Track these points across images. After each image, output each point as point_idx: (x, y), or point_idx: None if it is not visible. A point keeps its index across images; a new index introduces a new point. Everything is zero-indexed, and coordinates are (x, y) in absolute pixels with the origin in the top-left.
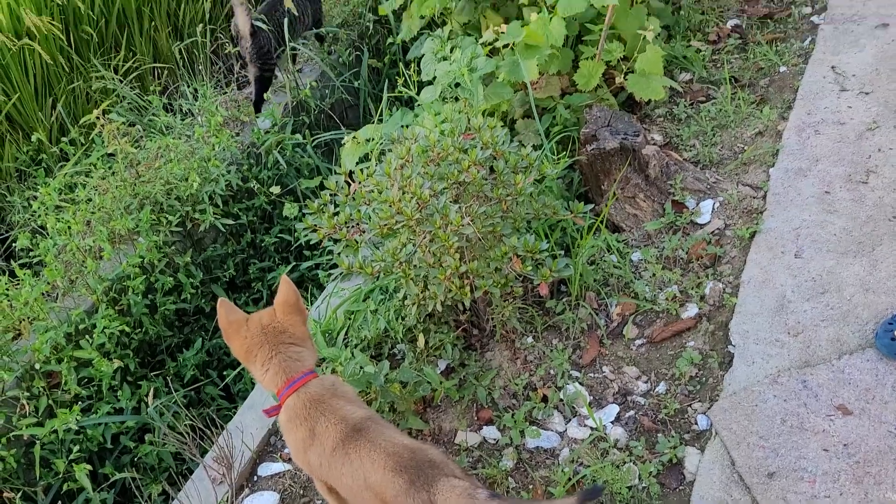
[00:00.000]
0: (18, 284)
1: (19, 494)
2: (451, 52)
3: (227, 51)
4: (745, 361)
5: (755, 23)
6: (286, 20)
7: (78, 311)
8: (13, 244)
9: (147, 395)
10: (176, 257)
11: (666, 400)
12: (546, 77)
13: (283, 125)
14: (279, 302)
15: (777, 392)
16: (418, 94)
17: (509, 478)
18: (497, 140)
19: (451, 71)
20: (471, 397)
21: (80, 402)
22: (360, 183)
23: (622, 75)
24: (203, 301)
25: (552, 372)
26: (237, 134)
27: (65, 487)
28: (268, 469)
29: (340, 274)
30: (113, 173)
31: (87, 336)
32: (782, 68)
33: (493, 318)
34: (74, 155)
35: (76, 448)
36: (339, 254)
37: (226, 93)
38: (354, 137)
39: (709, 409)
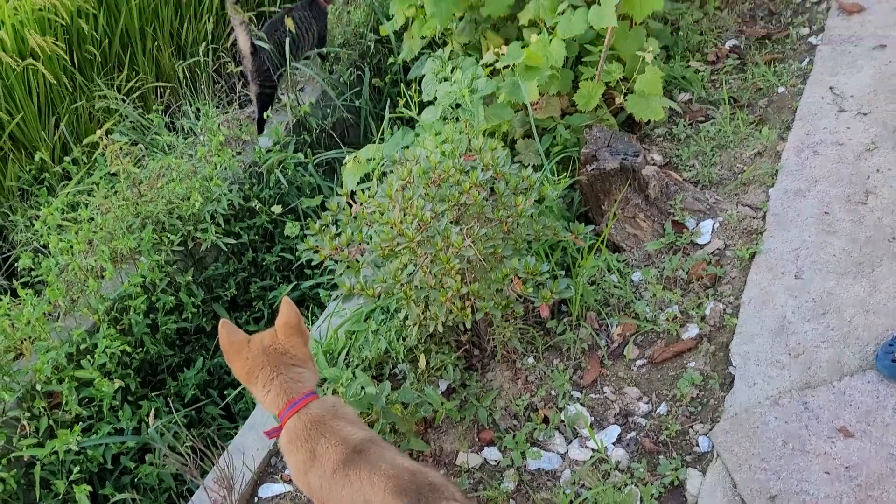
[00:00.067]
0: (20, 304)
1: None
2: (451, 72)
3: (229, 70)
4: (745, 383)
5: (753, 43)
6: (287, 39)
7: (79, 331)
8: (15, 263)
9: (148, 415)
10: (177, 276)
11: (667, 421)
12: (546, 97)
13: (286, 144)
14: (280, 323)
15: (778, 414)
16: (419, 114)
17: (510, 500)
18: (498, 161)
19: (452, 92)
20: (472, 418)
21: (80, 423)
22: (361, 204)
23: (622, 96)
24: (204, 320)
25: (553, 392)
26: (239, 153)
27: None
28: (268, 490)
29: (342, 295)
30: (115, 192)
31: (88, 356)
32: (781, 89)
33: (494, 339)
34: (77, 174)
35: (76, 469)
36: (340, 275)
37: (228, 112)
38: (356, 157)
39: (710, 430)
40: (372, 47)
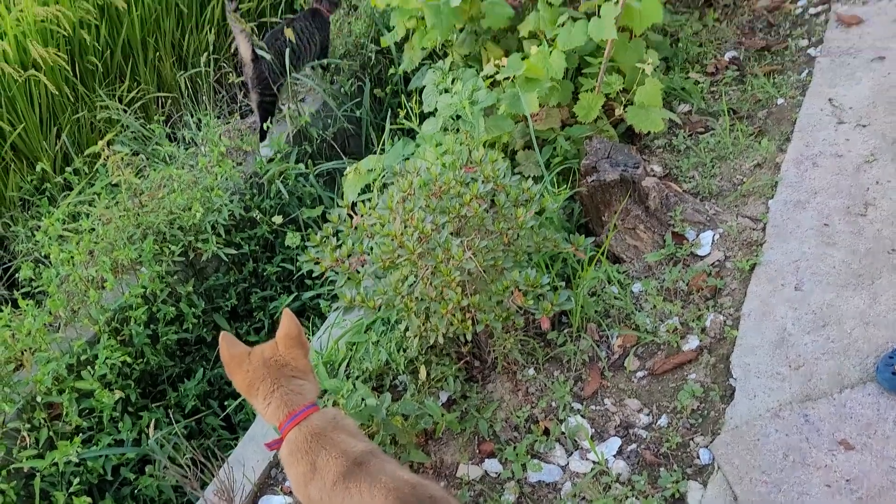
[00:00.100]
0: (21, 315)
1: None
2: (452, 83)
3: (230, 80)
4: (746, 395)
5: (752, 55)
6: (287, 50)
7: (80, 342)
8: (16, 273)
9: (148, 427)
10: (178, 287)
11: (668, 433)
12: (546, 109)
13: (287, 154)
14: (281, 335)
15: (779, 426)
16: (420, 124)
17: None
18: (498, 173)
19: (453, 103)
20: (473, 430)
21: (80, 434)
22: (362, 216)
23: (622, 107)
24: (205, 330)
25: (554, 404)
26: (240, 163)
27: None
28: (269, 502)
29: (343, 307)
30: (116, 203)
31: (88, 367)
32: (780, 100)
33: (494, 350)
34: (78, 185)
35: (76, 480)
36: (341, 286)
37: (229, 122)
38: (356, 168)
39: (711, 442)
40: (373, 58)
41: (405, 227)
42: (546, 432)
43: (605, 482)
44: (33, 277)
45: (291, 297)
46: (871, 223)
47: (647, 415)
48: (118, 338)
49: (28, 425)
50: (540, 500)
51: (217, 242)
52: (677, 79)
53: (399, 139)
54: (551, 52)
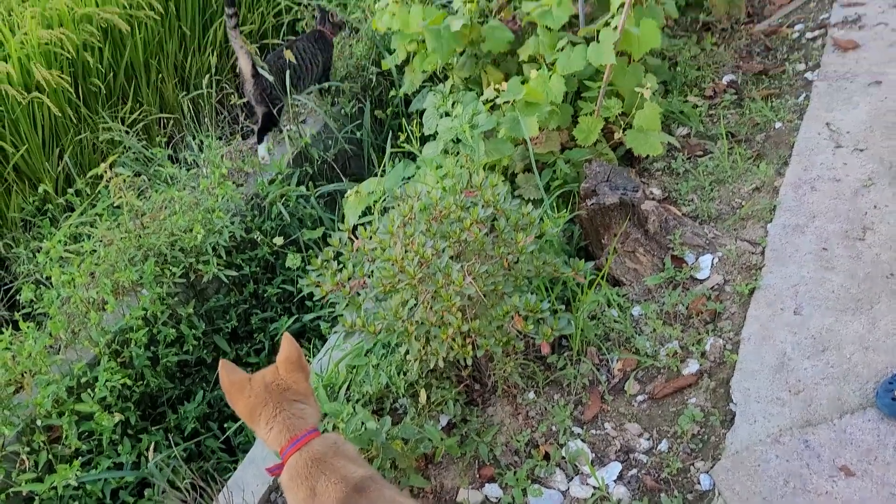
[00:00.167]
0: (21, 336)
1: None
2: (452, 107)
3: (232, 102)
4: (746, 420)
5: (750, 79)
6: (288, 71)
7: (80, 365)
8: (17, 295)
9: (147, 449)
10: (179, 308)
11: (668, 458)
12: (546, 132)
13: (288, 176)
14: (281, 359)
15: (779, 452)
16: (420, 146)
17: None
18: (498, 198)
19: (453, 127)
20: (473, 454)
21: (80, 457)
22: (363, 240)
23: (621, 130)
24: (205, 352)
25: (554, 428)
26: (241, 185)
27: None
28: None
29: (343, 332)
30: (118, 225)
31: (88, 389)
32: (778, 124)
33: (494, 374)
34: (80, 206)
35: None
36: (342, 309)
37: (230, 143)
38: (357, 191)
39: (711, 468)
40: (374, 80)
41: (406, 251)
42: (546, 457)
43: None
44: (34, 299)
45: (292, 319)
46: (869, 247)
47: (648, 439)
48: (118, 360)
49: (27, 448)
50: None
51: (218, 264)
52: (676, 102)
53: (400, 161)
54: (551, 76)
